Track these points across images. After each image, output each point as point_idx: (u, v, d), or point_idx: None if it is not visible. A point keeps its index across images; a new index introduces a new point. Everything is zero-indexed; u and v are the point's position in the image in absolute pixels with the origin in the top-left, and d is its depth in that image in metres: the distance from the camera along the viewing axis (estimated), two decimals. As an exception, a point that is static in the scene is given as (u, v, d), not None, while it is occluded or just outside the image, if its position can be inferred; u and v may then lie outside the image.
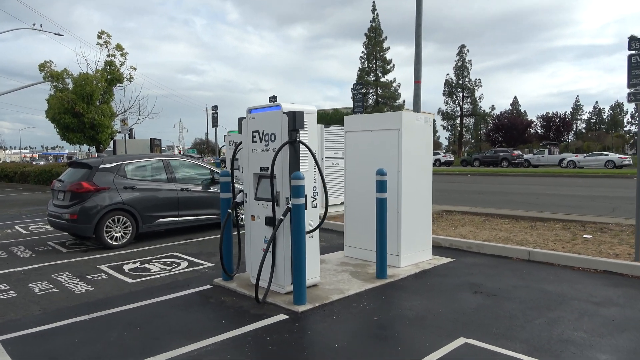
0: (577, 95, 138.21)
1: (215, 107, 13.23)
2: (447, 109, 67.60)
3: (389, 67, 67.12)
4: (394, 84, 67.11)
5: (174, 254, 7.48)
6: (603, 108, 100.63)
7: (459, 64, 64.83)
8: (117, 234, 8.00)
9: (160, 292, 5.41)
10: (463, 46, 64.62)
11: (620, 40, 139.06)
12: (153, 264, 6.79)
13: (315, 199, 5.20)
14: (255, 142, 5.28)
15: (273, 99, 5.19)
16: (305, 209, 4.80)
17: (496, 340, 3.84)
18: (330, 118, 68.76)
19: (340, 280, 5.61)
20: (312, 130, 5.18)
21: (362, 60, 67.71)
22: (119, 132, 20.46)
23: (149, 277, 6.07)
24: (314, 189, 5.17)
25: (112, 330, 4.27)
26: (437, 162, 45.45)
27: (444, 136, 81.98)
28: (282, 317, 4.48)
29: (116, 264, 6.86)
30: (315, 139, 5.23)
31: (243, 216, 8.17)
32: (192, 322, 4.43)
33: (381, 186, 5.62)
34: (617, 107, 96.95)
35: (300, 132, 5.00)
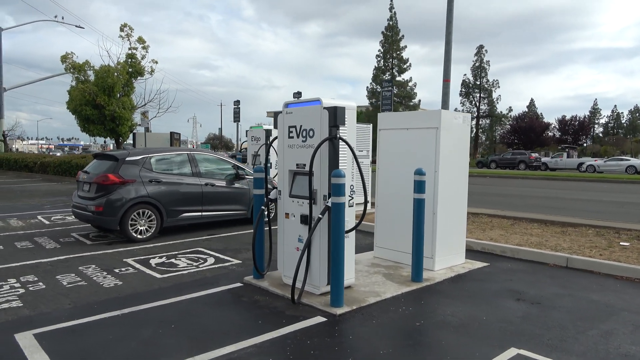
0: (595, 99, 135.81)
1: (237, 102, 13.12)
2: (463, 110, 66.85)
3: (405, 66, 66.59)
4: (410, 83, 66.69)
5: (199, 249, 7.37)
6: (622, 112, 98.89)
7: (477, 64, 64.05)
8: (142, 228, 7.92)
9: (190, 288, 5.29)
10: (481, 46, 63.87)
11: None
12: (180, 259, 6.68)
13: (352, 197, 5.02)
14: (292, 137, 5.13)
15: (297, 95, 5.19)
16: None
17: (550, 353, 3.64)
18: None
19: (375, 282, 5.43)
20: (352, 126, 5.00)
21: (379, 58, 67.27)
22: (139, 125, 20.48)
23: (177, 273, 5.95)
24: (352, 187, 5.00)
25: (145, 327, 4.15)
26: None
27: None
28: (320, 319, 4.32)
29: (142, 258, 6.76)
30: (354, 135, 5.06)
31: (271, 213, 8.14)
32: (227, 322, 4.30)
33: (420, 187, 5.43)
34: (637, 112, 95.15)
35: (340, 128, 4.83)
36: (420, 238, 5.50)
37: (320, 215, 4.63)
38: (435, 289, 5.30)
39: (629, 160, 35.07)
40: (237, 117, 13.21)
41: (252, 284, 5.43)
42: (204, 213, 8.75)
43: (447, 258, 6.18)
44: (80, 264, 6.39)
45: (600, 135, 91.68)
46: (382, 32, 62.89)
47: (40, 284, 5.46)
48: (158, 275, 5.83)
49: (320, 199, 4.81)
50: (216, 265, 6.35)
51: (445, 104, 10.40)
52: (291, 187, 5.21)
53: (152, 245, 7.63)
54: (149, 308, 4.65)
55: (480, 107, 65.69)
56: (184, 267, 6.27)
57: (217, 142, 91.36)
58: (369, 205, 5.00)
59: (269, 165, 11.67)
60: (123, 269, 6.12)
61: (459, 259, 6.41)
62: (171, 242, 7.84)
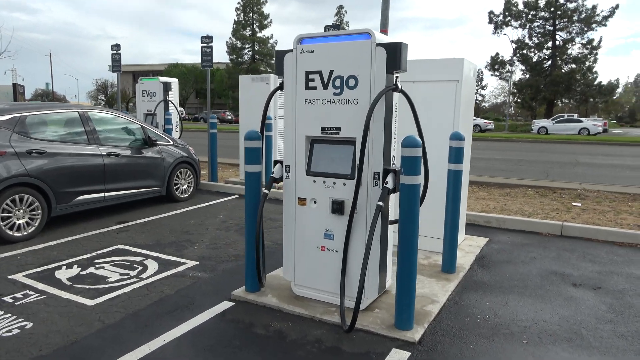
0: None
1: (117, 47, 10.27)
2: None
3: (266, 22, 64.20)
4: (271, 41, 64.71)
5: (121, 247, 5.26)
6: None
7: (338, 23, 64.68)
8: (21, 221, 5.40)
9: (157, 322, 3.44)
10: (341, 6, 64.41)
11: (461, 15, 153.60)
12: (103, 267, 4.57)
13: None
14: (314, 88, 3.49)
15: (332, 27, 3.44)
16: (394, 190, 3.28)
17: None
18: (190, 74, 63.90)
19: (406, 280, 4.22)
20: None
21: (238, 12, 63.61)
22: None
23: (116, 294, 3.95)
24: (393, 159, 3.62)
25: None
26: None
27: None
28: (402, 354, 2.98)
29: (40, 270, 4.47)
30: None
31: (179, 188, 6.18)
32: (271, 383, 2.69)
33: (458, 155, 4.28)
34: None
35: (398, 77, 3.37)
36: (456, 220, 4.42)
37: (380, 203, 3.18)
38: (477, 282, 4.31)
39: (582, 121, 35.07)
40: (117, 66, 10.38)
41: (250, 302, 3.77)
42: (107, 194, 6.43)
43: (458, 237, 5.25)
44: None
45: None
46: (242, -17, 59.20)
47: None
48: (88, 302, 3.77)
49: (368, 179, 3.35)
50: (167, 273, 4.45)
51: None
52: (309, 160, 3.62)
53: (42, 245, 5.24)
54: (116, 373, 2.77)
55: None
56: (117, 280, 4.25)
57: (46, 100, 78.13)
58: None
59: (172, 126, 9.44)
60: (19, 295, 3.88)
61: (461, 235, 5.54)
62: (71, 239, 5.51)
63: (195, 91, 67.95)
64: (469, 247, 5.29)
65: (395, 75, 3.32)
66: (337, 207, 3.48)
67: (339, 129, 3.44)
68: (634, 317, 3.57)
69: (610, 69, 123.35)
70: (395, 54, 3.19)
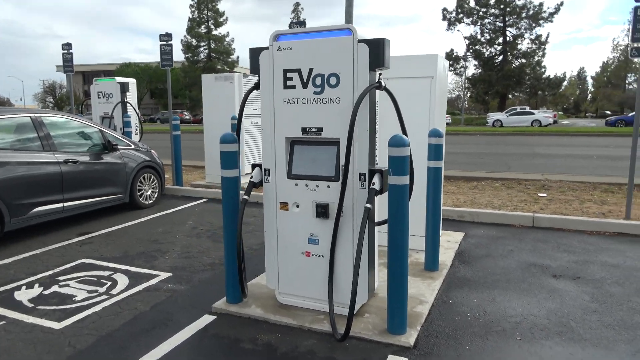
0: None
1: (68, 46, 9.70)
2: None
3: (221, 20, 63.04)
4: (227, 38, 63.64)
5: (85, 261, 4.92)
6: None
7: (294, 20, 64.31)
8: (-29, 239, 4.96)
9: (135, 341, 3.20)
10: (298, 4, 64.10)
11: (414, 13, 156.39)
12: (67, 285, 4.25)
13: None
14: (293, 87, 3.33)
15: (297, 24, 3.32)
16: (381, 191, 3.19)
17: (697, 350, 2.98)
18: (143, 73, 61.94)
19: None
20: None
21: (192, 9, 62.18)
22: None
23: (86, 314, 3.65)
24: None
25: None
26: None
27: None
28: (399, 361, 2.89)
29: (-3, 292, 4.10)
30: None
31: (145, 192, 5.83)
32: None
33: (437, 152, 4.23)
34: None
35: (381, 74, 3.27)
36: (437, 218, 4.38)
37: (368, 205, 3.07)
38: (461, 278, 4.29)
39: (534, 114, 36.59)
40: (68, 67, 9.77)
41: (233, 314, 3.58)
42: (66, 204, 6.03)
43: (436, 233, 5.23)
44: None
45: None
46: (196, -21, 57.91)
47: None
48: (55, 325, 3.47)
49: (354, 181, 3.23)
50: (139, 287, 4.18)
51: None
52: (290, 163, 3.46)
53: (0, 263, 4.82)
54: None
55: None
56: (85, 298, 3.95)
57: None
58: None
59: (131, 129, 9.01)
60: (-26, 322, 3.52)
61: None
62: (29, 255, 5.11)
63: (149, 91, 65.91)
64: (447, 243, 5.28)
65: (378, 72, 3.21)
66: (322, 211, 3.34)
67: (320, 129, 3.30)
68: (616, 306, 3.63)
69: (556, 63, 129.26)
70: (378, 51, 3.08)
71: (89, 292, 4.08)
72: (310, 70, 3.25)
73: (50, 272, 4.57)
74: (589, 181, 8.87)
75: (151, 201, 7.47)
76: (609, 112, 62.77)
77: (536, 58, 48.87)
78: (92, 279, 4.40)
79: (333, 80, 3.20)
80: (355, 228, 3.26)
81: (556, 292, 3.93)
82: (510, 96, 56.66)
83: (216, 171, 8.91)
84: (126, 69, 62.30)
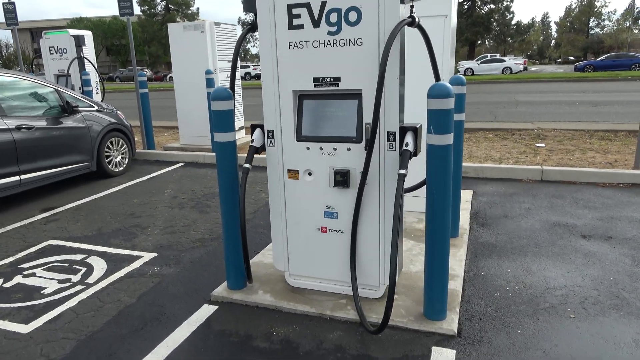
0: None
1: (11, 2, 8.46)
2: (247, 19, 64.39)
3: (178, -33, 58.94)
4: (186, -12, 59.83)
5: (53, 243, 4.25)
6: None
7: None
8: None
9: (124, 345, 2.64)
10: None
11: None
12: (33, 274, 3.60)
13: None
14: (300, 26, 2.67)
15: None
16: (415, 153, 2.64)
17: None
18: (97, 29, 57.91)
19: (409, 251, 3.68)
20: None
21: (146, -45, 57.74)
22: None
23: (59, 310, 3.05)
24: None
25: None
26: (247, 76, 43.05)
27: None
28: (445, 353, 2.44)
29: (-54, 288, 3.42)
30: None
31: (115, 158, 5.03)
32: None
33: (459, 103, 3.65)
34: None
35: (413, 6, 2.64)
36: (458, 175, 3.88)
37: (402, 171, 2.51)
38: (486, 244, 3.87)
39: (504, 61, 36.19)
40: (11, 19, 8.53)
41: (238, 302, 3.05)
42: (23, 176, 5.24)
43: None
44: None
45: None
46: None
47: None
48: (21, 328, 2.86)
49: (381, 142, 2.66)
50: (120, 274, 3.58)
51: None
52: (299, 122, 2.85)
53: (-56, 252, 4.09)
54: None
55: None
56: (57, 291, 3.33)
57: None
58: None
59: (92, 87, 8.06)
60: None
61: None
62: (-17, 239, 4.40)
63: (105, 48, 62.02)
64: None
65: (409, 4, 2.58)
66: (341, 179, 2.78)
67: (337, 79, 2.67)
68: (662, 270, 3.30)
69: (521, 9, 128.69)
70: (411, -23, 2.44)
71: (60, 282, 3.46)
72: (323, 4, 2.59)
73: (11, 259, 3.90)
74: (582, 129, 8.59)
75: (122, 168, 6.72)
76: (572, 58, 63.47)
77: (505, 3, 48.19)
78: (63, 265, 3.76)
79: (353, 16, 2.55)
80: (383, 198, 2.73)
81: (592, 255, 3.56)
82: (478, 42, 56.19)
83: (191, 132, 8.17)
84: (77, 24, 58.02)
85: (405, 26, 2.54)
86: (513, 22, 49.70)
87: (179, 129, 8.40)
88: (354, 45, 2.59)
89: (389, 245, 2.79)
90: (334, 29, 2.60)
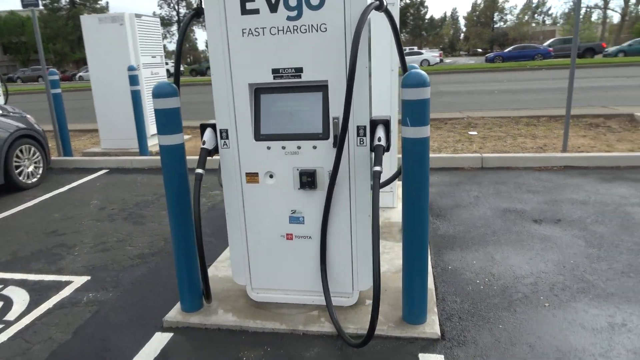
0: None
1: None
2: (162, 13, 61.58)
3: (82, -44, 54.84)
4: (92, -17, 55.88)
5: (-44, 273, 3.58)
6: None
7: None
8: None
9: (66, 394, 2.21)
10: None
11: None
12: None
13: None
14: (255, 11, 2.37)
15: None
16: (387, 148, 2.46)
17: None
18: (5, 24, 52.83)
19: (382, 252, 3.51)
20: None
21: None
22: None
23: (-26, 359, 2.52)
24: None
25: None
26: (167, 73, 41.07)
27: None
28: (436, 359, 2.29)
29: None
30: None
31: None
32: None
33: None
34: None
35: (380, -10, 2.43)
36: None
37: (377, 168, 2.31)
38: (445, 236, 3.81)
39: (422, 53, 36.99)
40: None
41: (196, 326, 2.69)
42: None
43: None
44: None
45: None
46: None
47: None
48: None
49: (351, 137, 2.44)
50: (47, 305, 3.06)
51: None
52: (257, 119, 2.55)
53: None
54: None
55: (180, 10, 61.69)
56: (-31, 333, 2.77)
57: None
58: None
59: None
60: None
61: (397, 184, 5.02)
62: None
63: (2, 46, 56.30)
64: (409, 196, 4.78)
65: (379, -11, 2.38)
66: (308, 180, 2.52)
67: (300, 69, 2.41)
68: (614, 249, 3.41)
69: (433, 4, 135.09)
70: (377, -44, 2.23)
71: (-29, 322, 2.88)
72: (280, -15, 2.31)
73: None
74: (508, 116, 9.00)
75: (35, 179, 5.95)
76: (480, 50, 67.65)
77: (419, -1, 50.18)
78: (-27, 300, 3.16)
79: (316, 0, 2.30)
80: (354, 198, 2.52)
81: (548, 240, 3.62)
82: (396, 38, 57.92)
83: (114, 135, 7.46)
84: (-34, 20, 52.27)
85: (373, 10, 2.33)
86: (427, 16, 51.93)
87: (100, 132, 7.63)
88: (317, 31, 2.33)
89: (363, 247, 2.59)
90: (293, 13, 2.33)
